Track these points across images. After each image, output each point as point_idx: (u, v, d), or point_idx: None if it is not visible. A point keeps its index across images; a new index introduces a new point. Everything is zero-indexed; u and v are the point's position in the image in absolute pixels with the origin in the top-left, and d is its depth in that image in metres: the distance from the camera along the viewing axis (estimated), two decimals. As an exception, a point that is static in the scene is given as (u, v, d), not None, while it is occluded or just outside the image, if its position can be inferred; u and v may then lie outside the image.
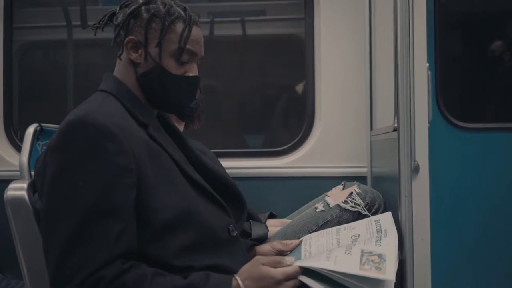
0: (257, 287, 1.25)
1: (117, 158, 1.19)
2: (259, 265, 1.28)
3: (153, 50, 1.37)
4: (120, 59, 1.41)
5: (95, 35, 1.47)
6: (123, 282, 1.13)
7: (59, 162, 1.19)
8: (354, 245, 1.32)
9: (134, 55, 1.38)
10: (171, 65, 1.38)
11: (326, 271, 1.20)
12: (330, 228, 1.53)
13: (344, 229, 1.51)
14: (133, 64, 1.39)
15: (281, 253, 1.51)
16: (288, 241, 1.54)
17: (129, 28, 1.38)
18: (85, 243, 1.13)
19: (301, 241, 1.51)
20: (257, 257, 1.34)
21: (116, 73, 1.43)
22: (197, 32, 1.42)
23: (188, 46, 1.38)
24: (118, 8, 1.43)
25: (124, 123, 1.27)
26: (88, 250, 1.13)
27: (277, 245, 1.51)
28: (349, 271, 1.18)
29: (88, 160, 1.18)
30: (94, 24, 1.47)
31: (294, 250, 1.47)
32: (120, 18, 1.40)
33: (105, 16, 1.46)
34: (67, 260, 1.12)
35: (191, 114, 2.12)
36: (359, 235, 1.45)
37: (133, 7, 1.38)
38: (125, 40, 1.37)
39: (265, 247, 1.55)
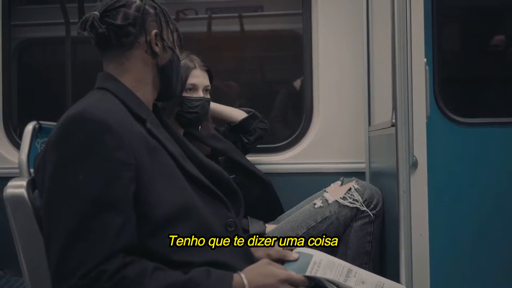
0: (260, 283, 1.26)
1: (117, 152, 1.19)
2: (265, 264, 1.31)
3: (168, 40, 1.44)
4: (127, 59, 1.39)
5: (77, 34, 1.43)
6: (124, 276, 1.13)
7: (59, 157, 1.19)
8: None
9: (157, 48, 1.41)
10: (178, 52, 1.48)
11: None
12: (342, 264, 1.43)
13: (355, 276, 1.43)
14: (154, 58, 1.42)
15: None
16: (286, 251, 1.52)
17: (145, 25, 1.40)
18: (86, 237, 1.14)
19: (310, 256, 1.47)
20: (265, 259, 1.36)
21: (116, 73, 1.41)
22: None
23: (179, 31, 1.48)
24: (102, 11, 1.38)
25: (122, 118, 1.27)
26: (89, 244, 1.13)
27: (274, 253, 1.49)
28: None
29: (87, 154, 1.18)
30: (79, 31, 1.40)
31: (299, 263, 1.44)
32: (121, 18, 1.37)
33: (92, 20, 1.37)
34: (69, 254, 1.13)
35: (197, 120, 2.11)
36: None
37: (136, 5, 1.39)
38: (148, 37, 1.39)
39: (259, 252, 1.53)
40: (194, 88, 2.05)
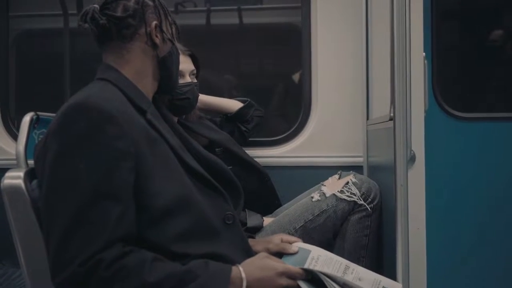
0: (258, 275, 1.27)
1: (117, 141, 1.20)
2: (264, 257, 1.33)
3: (167, 32, 1.46)
4: (127, 51, 1.40)
5: (78, 27, 1.44)
6: (123, 265, 1.14)
7: (59, 145, 1.19)
8: None
9: (157, 40, 1.42)
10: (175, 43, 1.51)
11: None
12: (340, 260, 1.46)
13: (352, 273, 1.44)
14: (154, 49, 1.43)
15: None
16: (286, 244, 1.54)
17: (144, 16, 1.41)
18: (85, 226, 1.14)
19: (308, 252, 1.49)
20: (263, 253, 1.38)
21: (116, 65, 1.41)
22: None
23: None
24: (102, 4, 1.38)
25: (123, 108, 1.28)
26: (88, 232, 1.14)
27: (273, 247, 1.52)
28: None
29: (88, 143, 1.19)
30: (80, 23, 1.40)
31: (297, 258, 1.46)
32: (120, 10, 1.38)
33: (92, 12, 1.38)
34: (68, 243, 1.13)
35: (190, 106, 2.10)
36: None
37: None
38: (148, 29, 1.40)
39: (258, 246, 1.55)
40: (180, 74, 2.03)
